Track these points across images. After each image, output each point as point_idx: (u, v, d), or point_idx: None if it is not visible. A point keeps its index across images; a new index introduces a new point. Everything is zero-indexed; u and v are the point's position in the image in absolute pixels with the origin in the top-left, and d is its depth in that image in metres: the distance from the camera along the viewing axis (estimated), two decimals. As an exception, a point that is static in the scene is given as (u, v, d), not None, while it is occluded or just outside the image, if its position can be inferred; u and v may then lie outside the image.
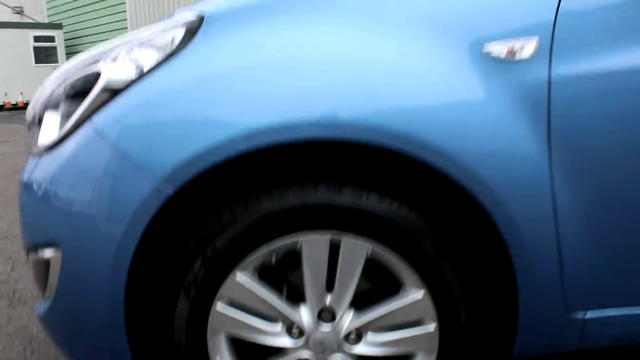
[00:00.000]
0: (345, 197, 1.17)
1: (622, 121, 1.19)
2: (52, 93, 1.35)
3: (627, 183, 1.22)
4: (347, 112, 1.15)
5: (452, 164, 1.16)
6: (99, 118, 1.22)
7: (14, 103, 15.95)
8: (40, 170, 1.32)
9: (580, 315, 1.31)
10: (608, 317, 1.32)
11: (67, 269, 1.26)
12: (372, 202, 1.18)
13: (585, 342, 1.35)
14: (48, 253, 1.30)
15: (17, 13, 18.50)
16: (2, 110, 15.88)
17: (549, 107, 1.18)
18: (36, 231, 1.32)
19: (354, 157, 1.28)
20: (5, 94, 15.73)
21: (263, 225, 1.18)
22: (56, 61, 16.38)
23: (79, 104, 1.27)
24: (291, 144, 1.18)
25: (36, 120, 1.38)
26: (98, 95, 1.23)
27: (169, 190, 1.16)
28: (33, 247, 1.35)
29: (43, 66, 16.00)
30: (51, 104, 1.34)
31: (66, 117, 1.29)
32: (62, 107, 1.31)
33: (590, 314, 1.31)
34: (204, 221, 1.22)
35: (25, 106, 15.21)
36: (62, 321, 1.34)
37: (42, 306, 1.39)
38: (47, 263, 1.32)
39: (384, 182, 1.25)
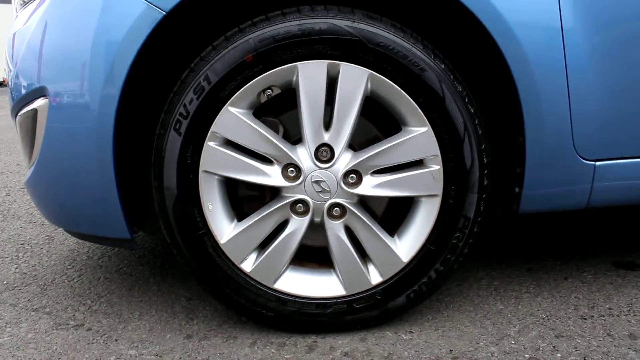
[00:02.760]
0: (343, 23, 1.11)
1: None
2: None
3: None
4: None
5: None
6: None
7: (14, 79, 15.82)
8: (28, 18, 1.28)
9: (590, 164, 1.25)
10: (619, 168, 1.27)
11: (54, 114, 1.20)
12: (373, 28, 1.11)
13: (595, 198, 1.30)
14: (36, 104, 1.25)
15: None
16: (2, 86, 15.79)
17: None
18: (25, 79, 1.27)
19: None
20: (5, 70, 15.63)
21: (259, 50, 1.11)
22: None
23: None
24: None
25: None
26: None
27: (159, 14, 1.10)
28: (22, 102, 1.30)
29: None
30: None
31: None
32: None
33: (600, 165, 1.26)
34: (197, 52, 1.16)
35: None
36: (47, 178, 1.28)
37: (28, 174, 1.34)
38: (34, 117, 1.27)
39: (389, 8, 1.19)
